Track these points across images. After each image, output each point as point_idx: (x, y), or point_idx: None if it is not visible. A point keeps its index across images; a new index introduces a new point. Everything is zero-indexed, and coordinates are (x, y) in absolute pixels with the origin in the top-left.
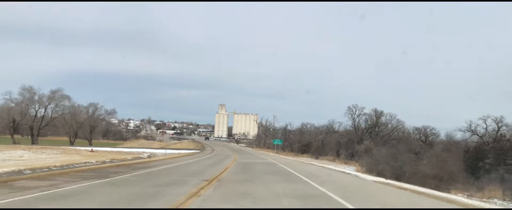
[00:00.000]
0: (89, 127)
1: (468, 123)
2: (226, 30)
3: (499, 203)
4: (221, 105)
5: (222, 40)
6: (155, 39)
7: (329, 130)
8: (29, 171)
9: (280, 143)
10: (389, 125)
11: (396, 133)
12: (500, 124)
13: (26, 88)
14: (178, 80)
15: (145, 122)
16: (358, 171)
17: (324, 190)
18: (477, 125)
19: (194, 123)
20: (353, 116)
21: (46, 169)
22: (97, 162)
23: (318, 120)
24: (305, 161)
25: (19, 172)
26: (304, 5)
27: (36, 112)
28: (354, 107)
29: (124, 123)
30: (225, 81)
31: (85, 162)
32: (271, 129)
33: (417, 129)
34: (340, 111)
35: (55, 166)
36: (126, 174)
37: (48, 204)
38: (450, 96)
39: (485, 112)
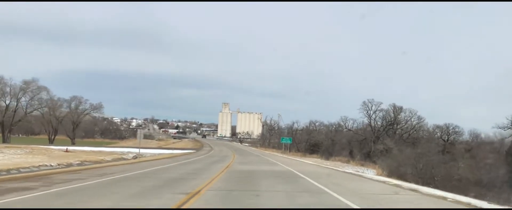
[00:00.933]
0: (71, 123)
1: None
2: (230, 29)
3: None
4: (224, 103)
5: (227, 39)
6: (159, 39)
7: (338, 128)
8: None
9: (289, 142)
10: (409, 122)
11: (415, 131)
12: None
13: None
14: (182, 79)
15: (148, 121)
16: (379, 175)
17: None
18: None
19: (197, 122)
20: (369, 112)
21: None
22: (59, 165)
23: (327, 119)
24: (327, 164)
25: None
26: (309, 4)
27: (7, 106)
28: (370, 102)
29: (126, 122)
30: (229, 80)
31: (39, 166)
32: (276, 128)
33: (438, 126)
34: (345, 112)
35: None
36: (68, 185)
37: None
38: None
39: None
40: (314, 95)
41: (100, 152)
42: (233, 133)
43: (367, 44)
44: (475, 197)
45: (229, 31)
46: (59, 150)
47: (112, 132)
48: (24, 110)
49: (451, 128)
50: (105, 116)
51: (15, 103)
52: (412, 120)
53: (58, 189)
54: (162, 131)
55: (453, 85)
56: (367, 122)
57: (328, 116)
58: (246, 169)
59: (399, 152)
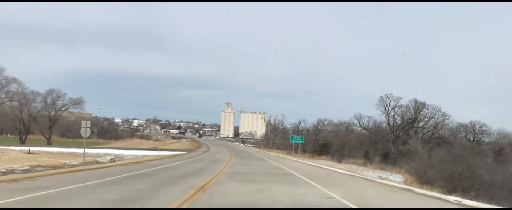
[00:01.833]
0: (48, 120)
1: None
2: (233, 30)
3: None
4: (227, 103)
5: (230, 39)
6: (163, 40)
7: (349, 127)
8: None
9: (300, 142)
10: (432, 120)
11: (439, 130)
12: None
13: None
14: (185, 80)
15: (151, 121)
16: (410, 183)
17: None
18: None
19: (200, 122)
20: (387, 108)
21: None
22: None
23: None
24: (341, 167)
25: None
26: (313, 4)
27: None
28: (388, 97)
29: (128, 123)
30: (232, 81)
31: None
32: (280, 127)
33: (462, 125)
34: (350, 113)
35: None
36: None
37: None
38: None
39: None
40: (318, 96)
41: (71, 154)
42: (236, 134)
43: (370, 44)
44: None
45: (232, 32)
46: (20, 151)
47: (110, 132)
48: None
49: (478, 126)
50: (107, 116)
51: None
52: (436, 116)
53: None
54: (164, 131)
55: (454, 85)
56: (384, 119)
57: (332, 116)
58: (244, 192)
59: (426, 154)
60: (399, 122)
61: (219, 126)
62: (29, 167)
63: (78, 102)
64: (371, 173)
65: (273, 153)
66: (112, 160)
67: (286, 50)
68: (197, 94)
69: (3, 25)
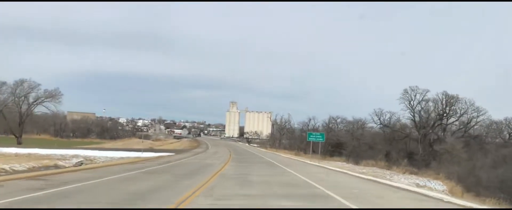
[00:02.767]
0: (19, 117)
1: None
2: (237, 30)
3: None
4: (232, 102)
5: (235, 40)
6: (168, 41)
7: (363, 125)
8: None
9: (320, 140)
10: (465, 116)
11: (473, 127)
12: None
13: None
14: (191, 80)
15: (156, 121)
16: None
17: None
18: None
19: (204, 122)
20: (412, 102)
21: None
22: None
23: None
24: (363, 171)
25: None
26: (318, 4)
27: None
28: (413, 90)
29: (132, 123)
30: (238, 81)
31: None
32: (288, 126)
33: (494, 122)
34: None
35: None
36: None
37: None
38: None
39: None
40: (325, 95)
41: (28, 155)
42: (241, 133)
43: (374, 44)
44: None
45: (238, 32)
46: None
47: (110, 132)
48: None
49: None
50: (113, 116)
51: None
52: (469, 112)
53: None
54: (168, 131)
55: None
56: (409, 115)
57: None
58: None
59: (465, 154)
60: (425, 118)
61: (224, 126)
62: None
63: (54, 94)
64: (403, 178)
65: (283, 154)
66: (79, 163)
67: (289, 50)
68: (203, 95)
69: (8, 26)
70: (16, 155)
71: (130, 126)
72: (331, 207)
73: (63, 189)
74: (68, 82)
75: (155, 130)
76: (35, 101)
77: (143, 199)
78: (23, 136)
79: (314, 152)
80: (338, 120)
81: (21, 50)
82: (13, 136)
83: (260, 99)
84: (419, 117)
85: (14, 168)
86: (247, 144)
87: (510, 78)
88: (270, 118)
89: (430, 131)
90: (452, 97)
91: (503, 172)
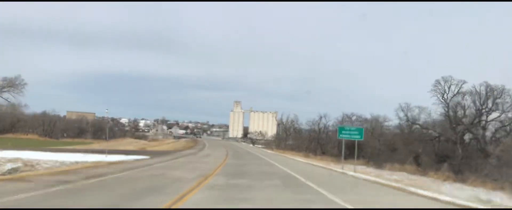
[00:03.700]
0: None
1: None
2: (241, 30)
3: None
4: (236, 101)
5: (240, 40)
6: (171, 41)
7: (382, 124)
8: None
9: (358, 138)
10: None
11: None
12: None
13: None
14: (195, 81)
15: (159, 122)
16: None
17: None
18: None
19: (208, 122)
20: (445, 95)
21: None
22: None
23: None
24: (393, 178)
25: None
26: (324, 4)
27: None
28: (447, 81)
29: (134, 123)
30: (242, 82)
31: None
32: (296, 126)
33: None
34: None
35: None
36: None
37: None
38: None
39: None
40: (328, 96)
41: None
42: (245, 134)
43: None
44: None
45: (241, 32)
46: None
47: (106, 132)
48: None
49: None
50: (115, 117)
51: None
52: None
53: None
54: (170, 132)
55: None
56: (444, 110)
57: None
58: None
59: None
60: (462, 114)
61: (227, 126)
62: None
63: (13, 83)
64: (454, 189)
65: (296, 157)
66: (12, 171)
67: (294, 51)
68: (207, 95)
69: (12, 27)
70: None
71: (132, 126)
72: None
73: None
74: (71, 83)
75: (157, 130)
76: None
77: None
78: (11, 136)
79: (323, 153)
80: (353, 118)
81: (23, 51)
82: None
83: (265, 100)
84: (454, 112)
85: None
86: (251, 145)
87: None
88: (276, 118)
89: (468, 129)
90: (495, 88)
91: None
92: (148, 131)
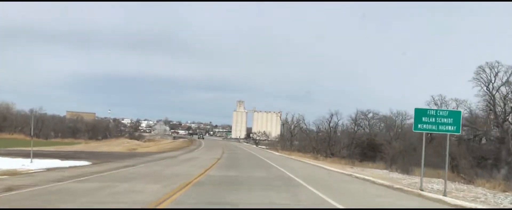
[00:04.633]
0: None
1: None
2: (245, 30)
3: None
4: (239, 101)
5: (243, 41)
6: (173, 42)
7: (403, 122)
8: None
9: (452, 131)
10: None
11: None
12: None
13: None
14: (198, 82)
15: (161, 122)
16: None
17: None
18: None
19: (210, 123)
20: (490, 85)
21: None
22: None
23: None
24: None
25: None
26: (325, 5)
27: None
28: (493, 68)
29: (136, 123)
30: (246, 82)
31: None
32: (301, 125)
33: None
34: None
35: None
36: None
37: None
38: None
39: None
40: (334, 97)
41: None
42: (249, 135)
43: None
44: None
45: (244, 32)
46: None
47: (102, 132)
48: None
49: None
50: (117, 117)
51: None
52: None
53: None
54: (172, 132)
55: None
56: (489, 104)
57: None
58: None
59: None
60: (510, 109)
61: (230, 127)
62: None
63: None
64: None
65: (307, 160)
66: None
67: (297, 50)
68: (210, 96)
69: (15, 28)
70: None
71: (133, 127)
72: None
73: None
74: (75, 83)
75: (154, 130)
76: None
77: None
78: None
79: (333, 155)
80: (369, 115)
81: (23, 51)
82: None
83: (268, 101)
84: (504, 104)
85: None
86: (254, 146)
87: None
88: (280, 117)
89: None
90: None
91: None
92: (150, 132)
